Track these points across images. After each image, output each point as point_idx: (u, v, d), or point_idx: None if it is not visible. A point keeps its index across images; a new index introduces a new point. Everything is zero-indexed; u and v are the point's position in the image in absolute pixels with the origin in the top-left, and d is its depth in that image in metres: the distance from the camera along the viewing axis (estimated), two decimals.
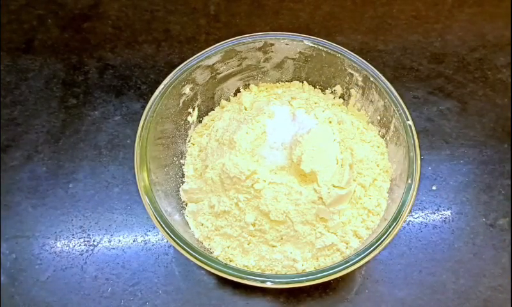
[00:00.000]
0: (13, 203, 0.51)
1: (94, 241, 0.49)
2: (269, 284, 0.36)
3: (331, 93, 0.52)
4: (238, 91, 0.54)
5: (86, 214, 0.50)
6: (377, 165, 0.46)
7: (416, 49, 0.65)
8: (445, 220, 0.50)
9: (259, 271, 0.42)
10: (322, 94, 0.53)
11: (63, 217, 0.50)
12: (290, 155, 0.43)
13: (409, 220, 0.50)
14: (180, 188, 0.46)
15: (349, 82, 0.50)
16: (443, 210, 0.51)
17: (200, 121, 0.52)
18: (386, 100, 0.46)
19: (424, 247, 0.49)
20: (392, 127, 0.46)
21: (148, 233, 0.49)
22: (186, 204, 0.46)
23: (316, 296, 0.46)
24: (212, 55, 0.48)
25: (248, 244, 0.42)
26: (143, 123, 0.43)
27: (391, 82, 0.47)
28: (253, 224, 0.42)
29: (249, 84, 0.53)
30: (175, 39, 0.65)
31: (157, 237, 0.49)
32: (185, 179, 0.47)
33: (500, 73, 0.63)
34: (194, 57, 0.48)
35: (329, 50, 0.49)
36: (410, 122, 0.44)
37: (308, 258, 0.42)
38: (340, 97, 0.52)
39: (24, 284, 0.46)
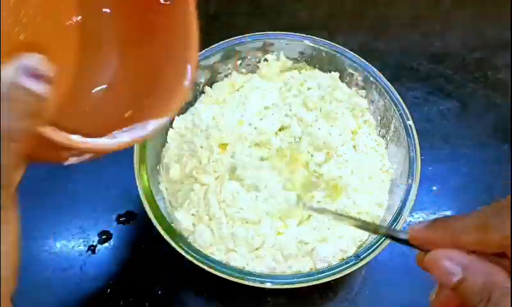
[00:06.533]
0: None
1: (93, 242, 0.49)
2: (268, 285, 0.36)
3: None
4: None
5: (85, 214, 0.50)
6: (378, 166, 0.46)
7: (416, 49, 0.65)
8: None
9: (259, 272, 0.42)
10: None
11: (62, 217, 0.50)
12: None
13: (410, 221, 0.50)
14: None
15: (349, 82, 0.50)
16: (444, 211, 0.51)
17: None
18: (386, 100, 0.46)
19: None
20: (392, 127, 0.46)
21: (148, 233, 0.49)
22: None
23: (316, 297, 0.46)
24: (211, 55, 0.48)
25: None
26: None
27: (391, 82, 0.46)
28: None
29: None
30: None
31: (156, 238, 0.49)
32: None
33: (500, 73, 0.63)
34: None
35: (329, 50, 0.49)
36: (410, 122, 0.44)
37: None
38: None
39: (22, 285, 0.46)
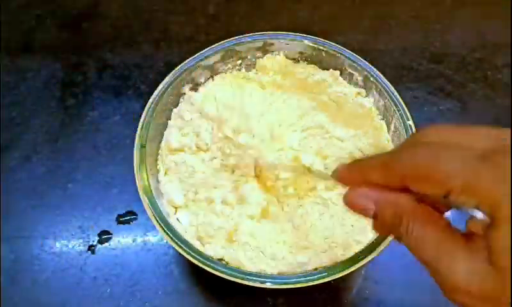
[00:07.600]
0: (12, 204, 0.50)
1: (93, 241, 0.49)
2: (268, 285, 0.36)
3: None
4: None
5: (85, 214, 0.50)
6: None
7: (416, 49, 0.65)
8: None
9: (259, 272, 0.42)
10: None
11: (62, 217, 0.50)
12: None
13: None
14: None
15: (349, 82, 0.50)
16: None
17: None
18: (386, 100, 0.46)
19: None
20: (392, 127, 0.46)
21: (148, 233, 0.49)
22: None
23: (316, 297, 0.46)
24: (211, 55, 0.48)
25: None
26: (142, 123, 0.43)
27: (391, 82, 0.46)
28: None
29: None
30: (174, 39, 0.65)
31: (156, 238, 0.49)
32: None
33: (500, 73, 0.63)
34: (193, 57, 0.47)
35: (329, 50, 0.49)
36: (410, 122, 0.43)
37: None
38: None
39: (22, 285, 0.46)
